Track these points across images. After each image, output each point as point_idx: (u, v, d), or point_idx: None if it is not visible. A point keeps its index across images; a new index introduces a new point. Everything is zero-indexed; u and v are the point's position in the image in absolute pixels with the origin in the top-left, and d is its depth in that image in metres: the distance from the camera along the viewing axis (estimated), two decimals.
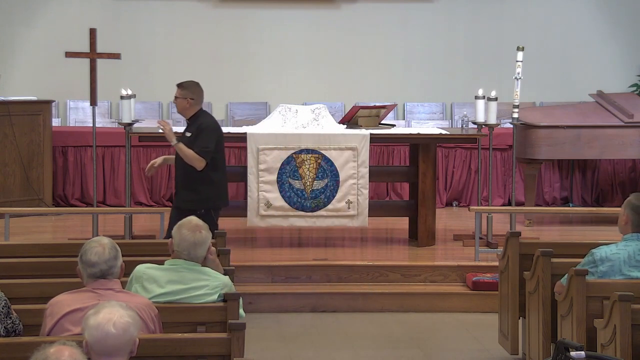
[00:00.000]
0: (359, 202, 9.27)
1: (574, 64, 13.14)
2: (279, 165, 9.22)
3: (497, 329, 7.29)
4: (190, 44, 12.82)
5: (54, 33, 12.53)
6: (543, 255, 6.38)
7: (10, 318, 4.82)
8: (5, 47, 12.59)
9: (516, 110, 9.75)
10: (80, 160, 11.49)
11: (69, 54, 9.72)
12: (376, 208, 9.61)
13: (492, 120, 9.64)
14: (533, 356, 6.59)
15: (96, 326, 3.82)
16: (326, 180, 9.24)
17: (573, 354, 4.46)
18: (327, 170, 9.23)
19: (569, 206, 11.57)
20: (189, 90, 7.99)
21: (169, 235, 5.64)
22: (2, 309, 4.80)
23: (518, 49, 9.65)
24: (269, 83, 12.97)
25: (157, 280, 5.14)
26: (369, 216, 9.30)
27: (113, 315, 3.85)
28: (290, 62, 12.99)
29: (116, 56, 9.73)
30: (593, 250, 5.88)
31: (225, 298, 5.11)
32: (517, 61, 9.62)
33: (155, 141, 10.77)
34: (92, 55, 9.56)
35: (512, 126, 10.09)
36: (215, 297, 5.14)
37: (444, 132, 9.78)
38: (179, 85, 8.03)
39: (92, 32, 9.57)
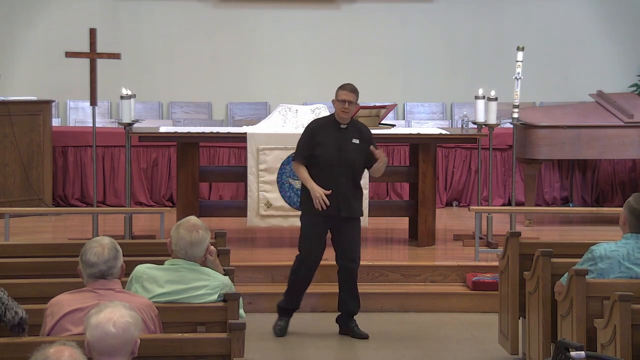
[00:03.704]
0: None
1: (574, 64, 13.14)
2: (279, 165, 9.21)
3: (497, 329, 7.29)
4: (190, 44, 12.81)
5: (54, 33, 12.53)
6: (543, 255, 6.38)
7: (5, 316, 4.80)
8: (5, 47, 12.60)
9: (516, 110, 9.75)
10: (80, 160, 11.49)
11: (69, 54, 9.72)
12: (376, 208, 9.61)
13: (492, 120, 9.64)
14: (533, 356, 6.59)
15: (96, 325, 3.82)
16: None
17: (573, 354, 4.46)
18: None
19: (569, 206, 11.56)
20: (358, 96, 7.66)
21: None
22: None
23: (518, 49, 9.65)
24: (269, 83, 12.96)
25: (157, 280, 5.14)
26: (369, 216, 9.29)
27: (114, 314, 3.85)
28: (290, 62, 12.98)
29: (116, 56, 9.72)
30: (592, 248, 5.89)
31: (225, 298, 5.11)
32: (517, 61, 9.61)
33: (155, 141, 10.80)
34: (92, 55, 9.55)
35: (512, 126, 10.09)
36: (215, 297, 5.14)
37: (444, 132, 9.78)
38: (353, 90, 7.63)
39: (92, 32, 9.56)
